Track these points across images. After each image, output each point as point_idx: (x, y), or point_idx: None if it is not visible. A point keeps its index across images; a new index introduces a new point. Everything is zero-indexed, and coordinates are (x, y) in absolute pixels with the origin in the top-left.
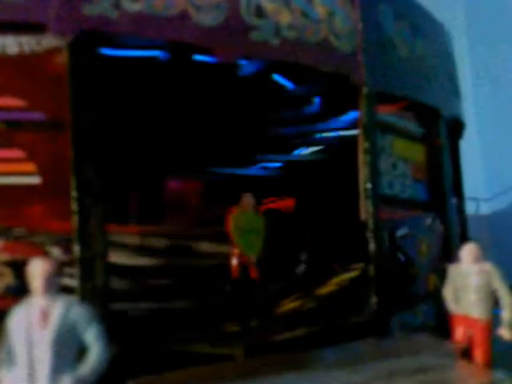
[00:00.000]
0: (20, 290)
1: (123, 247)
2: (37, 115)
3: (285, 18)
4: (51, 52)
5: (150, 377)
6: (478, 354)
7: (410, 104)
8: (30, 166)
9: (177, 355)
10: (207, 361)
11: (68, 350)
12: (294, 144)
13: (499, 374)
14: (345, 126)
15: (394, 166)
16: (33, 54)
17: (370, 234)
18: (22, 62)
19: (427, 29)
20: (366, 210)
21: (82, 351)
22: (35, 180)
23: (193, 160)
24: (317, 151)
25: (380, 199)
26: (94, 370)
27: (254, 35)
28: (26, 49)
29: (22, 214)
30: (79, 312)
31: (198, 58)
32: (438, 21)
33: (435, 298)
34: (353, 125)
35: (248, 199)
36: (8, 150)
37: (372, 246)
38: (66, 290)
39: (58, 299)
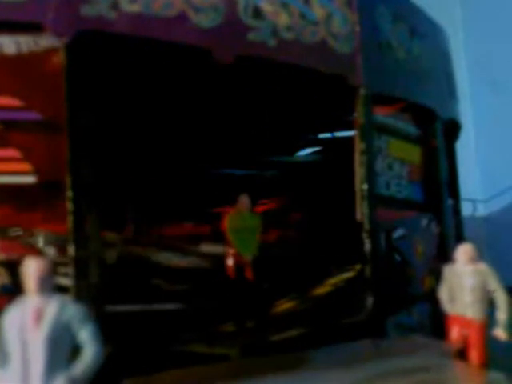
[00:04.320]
0: (15, 290)
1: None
2: (33, 115)
3: (282, 20)
4: (48, 52)
5: (146, 377)
6: (474, 355)
7: (406, 105)
8: (26, 166)
9: (172, 355)
10: (203, 361)
11: (62, 349)
12: (290, 145)
13: (495, 375)
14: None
15: (390, 167)
16: (30, 54)
17: (365, 235)
18: (20, 61)
19: (424, 30)
20: (361, 210)
21: (76, 350)
22: (31, 180)
23: (190, 160)
24: (313, 152)
25: (376, 200)
26: (88, 369)
27: (252, 36)
28: (24, 48)
29: (18, 214)
30: (73, 311)
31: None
32: (435, 22)
33: (431, 299)
34: (350, 126)
35: (244, 200)
36: (4, 150)
37: (368, 247)
38: (61, 290)
39: (52, 299)
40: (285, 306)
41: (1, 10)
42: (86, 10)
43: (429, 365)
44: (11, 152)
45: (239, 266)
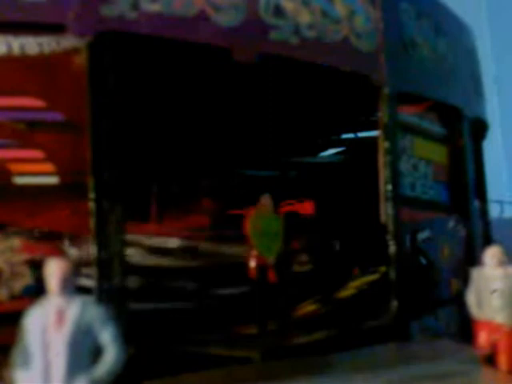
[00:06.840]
0: (38, 291)
1: (140, 247)
2: (56, 116)
3: (304, 18)
4: (70, 52)
5: (166, 379)
6: (503, 361)
7: (432, 104)
8: (49, 167)
9: (193, 357)
10: (224, 363)
11: (83, 350)
12: (314, 145)
13: None
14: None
15: (416, 167)
16: (52, 55)
17: (390, 237)
18: (42, 62)
19: (450, 28)
20: (386, 212)
21: (97, 352)
22: (53, 180)
23: (213, 161)
24: (337, 153)
25: (401, 201)
26: (110, 370)
27: (273, 35)
28: (46, 49)
29: (41, 215)
30: (95, 312)
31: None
32: (460, 19)
33: (458, 303)
34: (374, 126)
35: (266, 201)
36: (27, 150)
37: (392, 249)
38: (83, 291)
39: (74, 300)
40: (308, 308)
41: (23, 12)
42: (107, 10)
43: (455, 370)
44: (34, 153)
45: (262, 267)
